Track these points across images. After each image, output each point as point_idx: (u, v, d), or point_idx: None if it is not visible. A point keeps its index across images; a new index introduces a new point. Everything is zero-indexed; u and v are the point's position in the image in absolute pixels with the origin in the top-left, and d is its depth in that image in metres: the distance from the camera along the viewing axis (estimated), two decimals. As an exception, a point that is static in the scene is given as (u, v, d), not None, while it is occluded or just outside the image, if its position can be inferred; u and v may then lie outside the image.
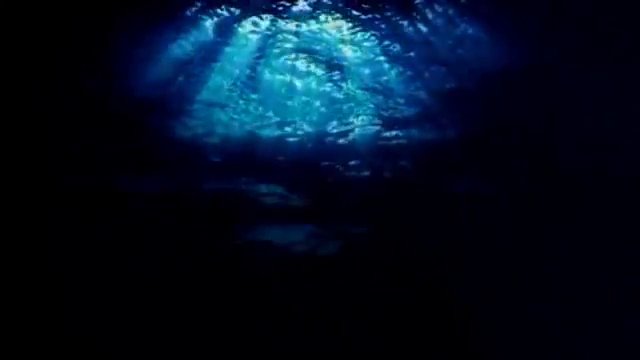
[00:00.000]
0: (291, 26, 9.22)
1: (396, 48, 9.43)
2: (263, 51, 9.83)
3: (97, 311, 10.40)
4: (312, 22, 9.07)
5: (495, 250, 11.19)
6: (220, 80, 10.42)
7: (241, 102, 10.82)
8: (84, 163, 10.15)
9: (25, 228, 10.09)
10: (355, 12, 8.66)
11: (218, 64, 10.13)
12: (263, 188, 11.56)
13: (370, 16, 8.75)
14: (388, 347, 10.44)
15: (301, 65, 10.18)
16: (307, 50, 9.75)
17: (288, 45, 9.60)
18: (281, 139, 11.29)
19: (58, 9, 7.85)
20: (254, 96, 10.70)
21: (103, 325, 10.28)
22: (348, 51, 9.75)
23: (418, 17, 8.72)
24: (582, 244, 10.36)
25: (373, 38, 9.29)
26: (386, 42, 9.38)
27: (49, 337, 9.82)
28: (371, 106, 10.70)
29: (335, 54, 9.74)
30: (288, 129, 11.22)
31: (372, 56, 9.74)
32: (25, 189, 9.82)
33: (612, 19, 8.11)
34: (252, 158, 11.38)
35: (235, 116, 11.03)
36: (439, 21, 8.85)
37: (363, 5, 8.52)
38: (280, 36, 9.44)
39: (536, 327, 10.36)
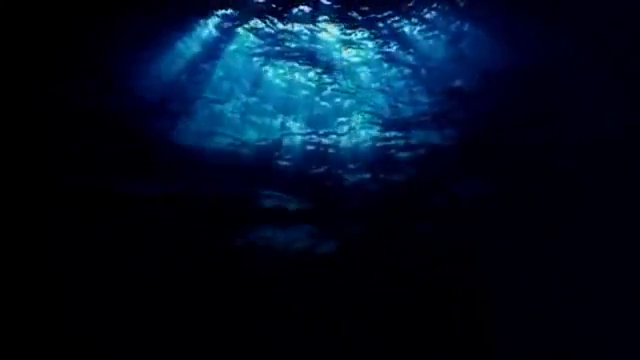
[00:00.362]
0: (291, 27, 9.23)
1: (395, 48, 9.44)
2: (264, 52, 9.83)
3: (97, 311, 10.41)
4: (312, 23, 9.08)
5: (495, 250, 11.18)
6: (221, 82, 10.44)
7: (241, 104, 10.82)
8: (84, 163, 10.16)
9: (25, 228, 10.09)
10: (355, 13, 8.66)
11: (219, 64, 10.14)
12: (263, 189, 11.56)
13: (370, 17, 8.75)
14: (387, 347, 10.43)
15: (301, 65, 10.19)
16: (307, 50, 9.75)
17: (288, 45, 9.61)
18: (280, 140, 11.29)
19: (58, 9, 7.86)
20: (254, 98, 10.71)
21: (103, 325, 10.29)
22: (347, 51, 9.76)
23: (417, 18, 8.72)
24: (583, 245, 10.35)
25: (372, 38, 9.29)
26: (385, 42, 9.39)
27: (49, 337, 9.82)
28: (371, 105, 10.69)
29: (334, 54, 9.75)
30: (287, 130, 11.22)
31: (371, 56, 9.75)
32: (25, 189, 9.83)
33: (610, 20, 8.10)
34: (252, 160, 11.38)
35: (235, 118, 11.03)
36: (438, 22, 8.86)
37: (362, 7, 8.52)
38: (280, 36, 9.44)
39: (536, 327, 10.35)
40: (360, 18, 8.75)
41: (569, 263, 10.60)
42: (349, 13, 8.70)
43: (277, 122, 11.14)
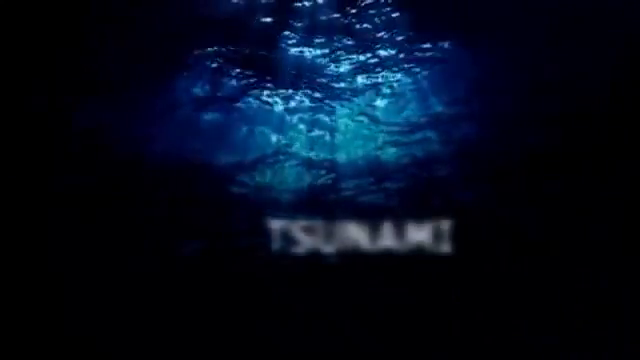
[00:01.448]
0: (284, 45, 9.12)
1: (392, 53, 9.34)
2: (256, 72, 9.68)
3: (97, 311, 10.42)
4: (304, 37, 8.97)
5: (495, 251, 11.19)
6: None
7: (237, 116, 10.75)
8: (84, 163, 10.14)
9: (25, 228, 10.10)
10: (348, 19, 8.57)
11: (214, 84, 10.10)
12: (262, 193, 11.57)
13: (367, 18, 8.68)
14: (388, 347, 10.44)
15: (295, 84, 10.01)
16: (302, 63, 9.60)
17: (282, 62, 9.47)
18: (279, 148, 11.22)
19: (58, 9, 7.88)
20: (252, 109, 10.62)
21: (103, 325, 10.30)
22: (341, 65, 9.63)
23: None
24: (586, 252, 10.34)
25: (370, 42, 9.17)
26: (383, 46, 9.26)
27: (49, 337, 9.84)
28: (371, 112, 10.63)
29: (330, 63, 9.60)
30: (285, 141, 11.15)
31: (370, 60, 9.64)
32: (25, 189, 9.83)
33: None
34: (251, 162, 11.34)
35: (234, 123, 10.97)
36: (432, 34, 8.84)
37: (360, 9, 8.43)
38: (273, 55, 9.30)
39: (536, 328, 10.36)
40: (355, 20, 8.68)
41: (571, 266, 10.61)
42: (343, 20, 8.64)
43: (273, 131, 11.06)
